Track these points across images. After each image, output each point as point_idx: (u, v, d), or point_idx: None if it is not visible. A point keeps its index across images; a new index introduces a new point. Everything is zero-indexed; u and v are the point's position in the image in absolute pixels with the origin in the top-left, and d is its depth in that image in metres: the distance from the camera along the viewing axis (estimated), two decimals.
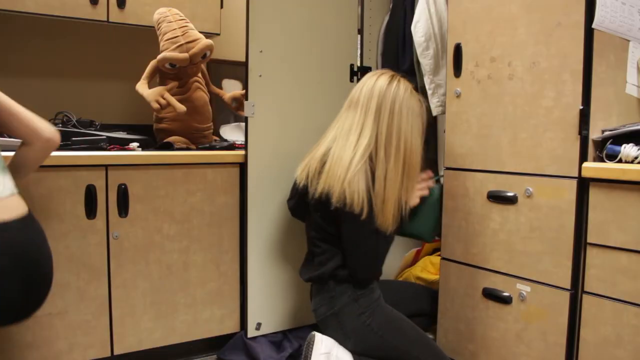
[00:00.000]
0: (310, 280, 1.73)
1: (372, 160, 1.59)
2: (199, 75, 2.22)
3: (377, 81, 1.63)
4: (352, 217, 1.55)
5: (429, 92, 2.08)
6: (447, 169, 1.77)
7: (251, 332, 2.01)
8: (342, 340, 1.63)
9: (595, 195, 1.39)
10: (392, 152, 1.59)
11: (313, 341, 1.60)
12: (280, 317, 2.08)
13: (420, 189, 1.75)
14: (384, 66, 2.33)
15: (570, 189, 1.43)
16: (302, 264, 1.79)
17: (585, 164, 1.40)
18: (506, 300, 1.59)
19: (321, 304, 1.68)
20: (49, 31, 2.22)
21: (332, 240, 1.65)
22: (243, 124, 2.03)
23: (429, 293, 1.89)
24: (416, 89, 1.69)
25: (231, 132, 2.44)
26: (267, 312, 2.04)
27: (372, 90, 1.62)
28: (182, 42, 2.03)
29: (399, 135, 1.59)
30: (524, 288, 1.55)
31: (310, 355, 1.57)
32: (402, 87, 1.63)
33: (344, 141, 1.61)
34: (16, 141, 1.72)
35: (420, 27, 2.05)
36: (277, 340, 2.04)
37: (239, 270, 2.05)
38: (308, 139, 1.79)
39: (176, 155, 1.90)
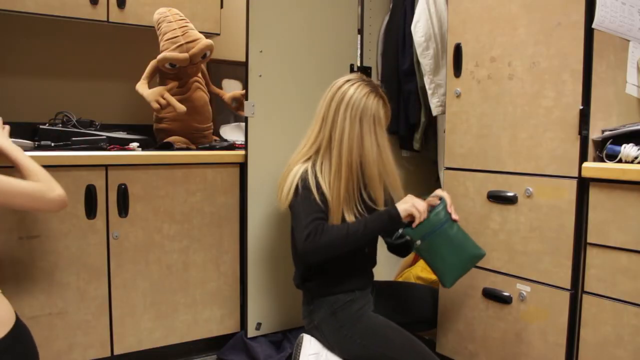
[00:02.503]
0: (297, 287, 1.73)
1: (314, 165, 1.58)
2: (199, 75, 2.22)
3: (331, 88, 1.61)
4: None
5: (429, 92, 2.08)
6: (447, 169, 1.77)
7: (251, 332, 2.01)
8: (329, 349, 1.62)
9: (595, 195, 1.39)
10: (334, 159, 1.55)
11: (301, 342, 1.61)
12: (280, 317, 2.08)
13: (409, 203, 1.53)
14: (384, 66, 2.33)
15: (570, 189, 1.43)
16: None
17: (585, 164, 1.40)
18: (506, 300, 1.59)
19: (304, 315, 1.69)
20: (49, 31, 2.22)
21: (294, 247, 1.66)
22: (243, 124, 2.03)
23: (434, 297, 1.81)
24: (375, 90, 1.58)
25: (231, 132, 2.44)
26: (267, 312, 2.04)
27: (324, 98, 1.62)
28: (182, 42, 2.03)
29: (342, 140, 1.54)
30: (524, 288, 1.55)
31: (299, 355, 1.58)
32: (352, 90, 1.56)
33: (296, 152, 1.64)
34: (18, 141, 1.72)
35: (420, 27, 2.06)
36: (277, 340, 2.04)
37: (239, 270, 2.05)
38: None
39: (176, 155, 1.90)
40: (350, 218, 1.55)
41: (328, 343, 1.61)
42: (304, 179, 1.55)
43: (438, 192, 1.59)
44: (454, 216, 1.52)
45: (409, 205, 1.50)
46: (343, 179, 1.55)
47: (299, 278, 1.68)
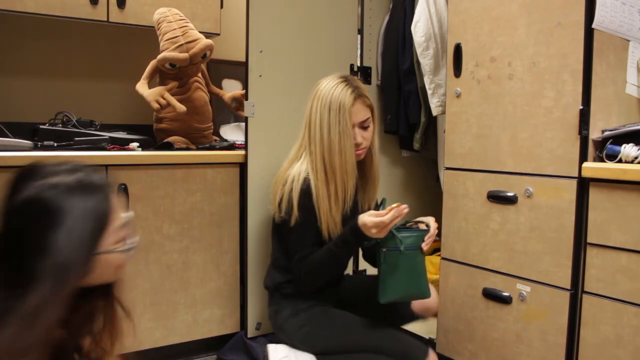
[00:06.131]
0: (265, 287, 1.75)
1: (304, 167, 1.60)
2: (199, 75, 2.22)
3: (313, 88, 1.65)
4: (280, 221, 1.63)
5: (429, 92, 2.08)
6: (447, 169, 1.77)
7: (251, 332, 2.01)
8: (295, 348, 1.63)
9: (595, 195, 1.39)
10: (311, 156, 1.57)
11: (267, 352, 1.63)
12: None
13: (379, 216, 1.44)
14: (384, 66, 2.33)
15: (570, 189, 1.43)
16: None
17: (585, 164, 1.40)
18: (506, 300, 1.59)
19: (269, 316, 1.71)
20: (49, 31, 2.22)
21: (279, 250, 1.70)
22: (243, 124, 2.03)
23: None
24: (347, 82, 1.58)
25: (231, 132, 2.44)
26: (267, 312, 2.04)
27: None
28: (182, 42, 2.03)
29: (315, 133, 1.57)
30: (524, 288, 1.55)
31: None
32: (324, 84, 1.59)
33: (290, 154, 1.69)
34: (18, 141, 1.72)
35: (420, 27, 2.06)
36: (277, 340, 2.04)
37: (239, 270, 2.04)
38: None
39: (176, 155, 1.90)
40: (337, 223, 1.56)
41: (292, 344, 1.63)
42: (303, 198, 1.55)
43: (430, 220, 1.56)
44: (424, 247, 1.52)
45: (373, 222, 1.44)
46: (319, 173, 1.56)
47: (281, 282, 1.67)
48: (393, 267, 1.51)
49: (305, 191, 1.55)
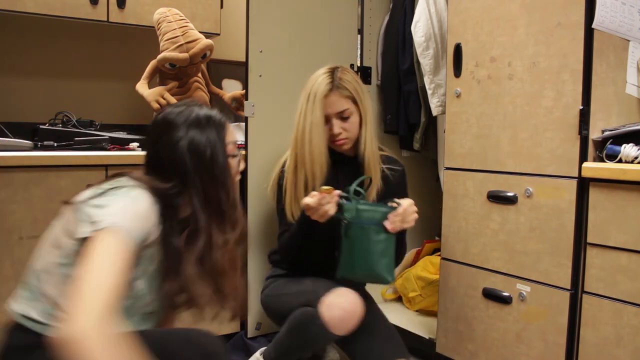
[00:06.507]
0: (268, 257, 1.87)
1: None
2: (199, 75, 2.22)
3: None
4: None
5: (429, 92, 2.08)
6: (447, 169, 1.77)
7: (251, 332, 2.01)
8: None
9: (595, 195, 1.39)
10: (292, 146, 1.63)
11: None
12: None
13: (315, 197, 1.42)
14: (383, 66, 2.33)
15: (570, 189, 1.43)
16: None
17: (585, 164, 1.40)
18: (506, 300, 1.59)
19: None
20: (49, 31, 2.22)
21: None
22: (243, 124, 2.03)
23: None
24: (329, 72, 1.59)
25: None
26: None
27: None
28: (182, 42, 2.04)
29: (294, 126, 1.62)
30: (524, 288, 1.55)
31: None
32: (314, 74, 1.62)
33: None
34: (18, 141, 1.72)
35: (420, 27, 2.06)
36: None
37: None
38: None
39: None
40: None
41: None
42: (279, 177, 1.67)
43: (404, 201, 1.47)
44: (388, 225, 1.43)
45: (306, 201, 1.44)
46: (291, 160, 1.62)
47: (271, 252, 1.81)
48: (347, 240, 1.44)
49: (280, 175, 1.67)
